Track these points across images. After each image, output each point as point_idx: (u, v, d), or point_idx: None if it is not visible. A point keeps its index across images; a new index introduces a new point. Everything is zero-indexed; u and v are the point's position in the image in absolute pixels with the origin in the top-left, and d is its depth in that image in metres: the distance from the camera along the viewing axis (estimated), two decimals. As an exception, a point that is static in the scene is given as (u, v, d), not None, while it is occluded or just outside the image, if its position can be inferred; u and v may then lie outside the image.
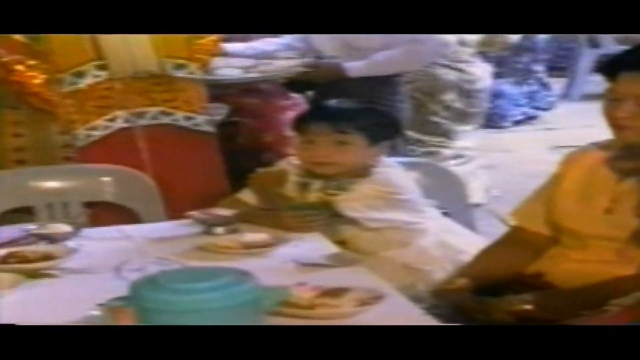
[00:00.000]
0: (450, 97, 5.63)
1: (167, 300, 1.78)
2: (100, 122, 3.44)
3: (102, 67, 3.45)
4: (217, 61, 3.92)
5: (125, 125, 3.46)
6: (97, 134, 3.44)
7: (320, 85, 4.02)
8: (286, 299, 1.99)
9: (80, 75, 3.43)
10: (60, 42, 3.40)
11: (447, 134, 5.68)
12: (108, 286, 2.19)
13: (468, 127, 5.75)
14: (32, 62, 3.48)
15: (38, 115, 3.48)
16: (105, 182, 3.28)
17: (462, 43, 5.59)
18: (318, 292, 2.15)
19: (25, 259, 2.43)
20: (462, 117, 5.70)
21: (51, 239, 2.63)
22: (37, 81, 3.49)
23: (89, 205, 3.26)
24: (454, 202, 3.29)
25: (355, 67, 4.07)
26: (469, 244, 2.92)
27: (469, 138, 5.77)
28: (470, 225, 3.22)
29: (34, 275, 2.38)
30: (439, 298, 2.58)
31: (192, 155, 3.53)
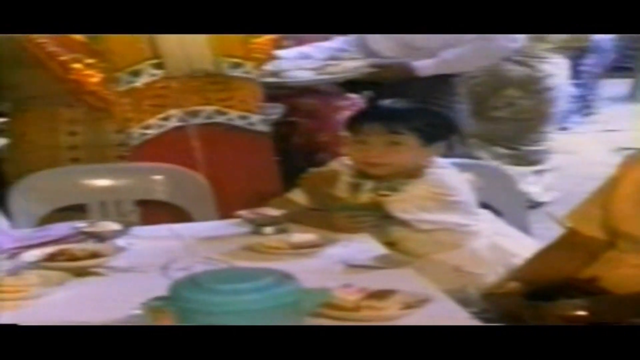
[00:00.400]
0: (513, 93, 5.56)
1: (207, 301, 1.76)
2: (154, 120, 3.44)
3: (159, 66, 3.45)
4: (286, 63, 3.93)
5: (179, 124, 3.45)
6: (151, 132, 3.43)
7: (379, 84, 4.00)
8: (329, 301, 1.97)
9: (136, 73, 3.43)
10: (118, 41, 3.39)
11: (512, 133, 5.62)
12: (154, 285, 2.16)
13: (538, 127, 5.67)
14: (89, 61, 3.48)
15: (94, 114, 3.48)
16: (157, 180, 3.28)
17: (539, 39, 5.51)
18: (363, 294, 2.12)
19: (74, 257, 2.43)
20: (530, 115, 5.62)
21: (100, 237, 2.62)
22: (94, 80, 3.49)
23: (141, 203, 3.26)
24: (509, 204, 3.24)
25: (424, 66, 4.06)
26: (522, 246, 2.88)
27: (539, 139, 5.69)
28: (525, 227, 3.18)
29: (81, 273, 2.38)
30: (490, 302, 2.53)
31: (246, 154, 3.52)
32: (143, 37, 3.40)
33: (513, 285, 2.53)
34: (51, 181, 3.23)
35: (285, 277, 1.83)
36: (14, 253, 2.52)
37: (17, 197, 3.12)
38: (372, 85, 4.06)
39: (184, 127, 3.45)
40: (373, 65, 4.03)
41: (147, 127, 3.44)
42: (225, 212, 3.09)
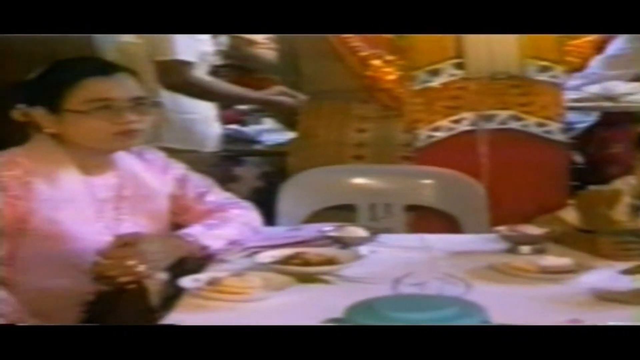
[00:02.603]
0: None
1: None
2: (445, 122, 3.30)
3: (460, 66, 3.31)
4: (619, 86, 3.70)
5: (470, 128, 3.29)
6: (439, 135, 3.30)
7: None
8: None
9: (435, 73, 3.31)
10: (423, 39, 3.29)
11: None
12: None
13: None
14: (389, 58, 3.41)
15: (384, 112, 3.41)
16: (427, 185, 3.15)
17: None
18: (590, 332, 1.90)
19: (306, 262, 2.35)
20: None
21: (344, 242, 2.54)
22: (390, 77, 3.41)
23: (414, 208, 3.14)
24: None
25: None
26: None
27: None
28: None
29: (307, 279, 2.28)
30: None
31: (538, 165, 3.30)
32: (449, 36, 3.27)
33: None
34: (322, 179, 3.17)
35: (472, 309, 1.65)
36: (254, 252, 2.48)
37: (287, 192, 3.09)
38: None
39: (474, 131, 3.29)
40: None
41: (436, 129, 3.31)
42: (500, 224, 2.90)
